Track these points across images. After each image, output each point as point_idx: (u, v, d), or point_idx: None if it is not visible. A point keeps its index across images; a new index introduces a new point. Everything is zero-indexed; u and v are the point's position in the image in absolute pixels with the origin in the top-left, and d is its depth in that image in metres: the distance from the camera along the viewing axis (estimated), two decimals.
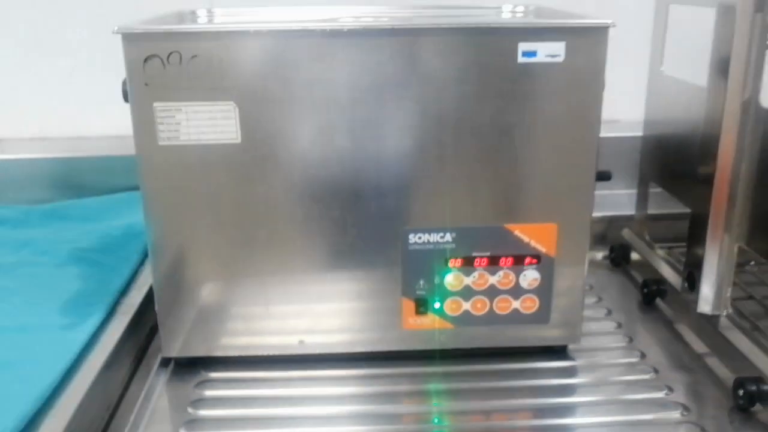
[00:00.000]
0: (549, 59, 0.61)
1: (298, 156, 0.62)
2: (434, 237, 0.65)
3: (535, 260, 0.66)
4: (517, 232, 0.65)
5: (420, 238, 0.65)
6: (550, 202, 0.65)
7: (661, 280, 0.81)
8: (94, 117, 1.01)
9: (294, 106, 0.61)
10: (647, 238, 0.89)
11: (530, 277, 0.67)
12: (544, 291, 0.67)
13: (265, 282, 0.66)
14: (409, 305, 0.67)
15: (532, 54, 0.61)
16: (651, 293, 0.81)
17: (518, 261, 0.66)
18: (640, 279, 0.87)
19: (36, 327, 0.64)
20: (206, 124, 0.61)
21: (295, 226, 0.64)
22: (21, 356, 0.59)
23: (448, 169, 0.63)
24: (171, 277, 0.65)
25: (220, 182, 0.63)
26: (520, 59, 0.61)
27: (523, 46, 0.61)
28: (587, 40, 0.61)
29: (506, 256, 0.66)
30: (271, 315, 0.67)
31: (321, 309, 0.67)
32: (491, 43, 0.60)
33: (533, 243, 0.66)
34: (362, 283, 0.66)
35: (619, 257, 0.92)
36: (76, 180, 0.96)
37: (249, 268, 0.66)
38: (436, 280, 0.66)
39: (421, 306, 0.67)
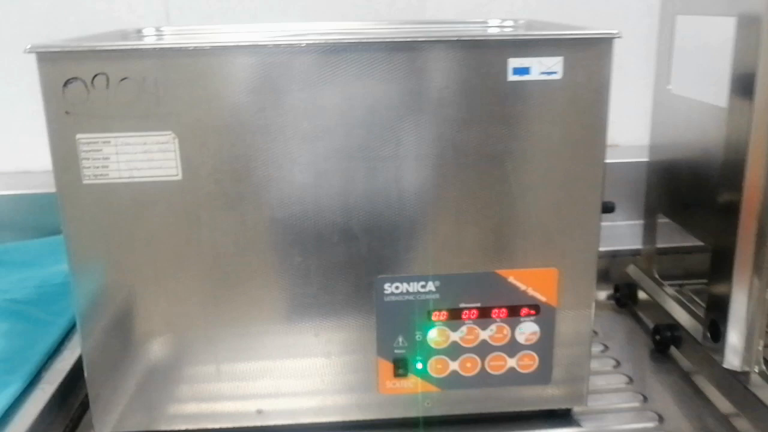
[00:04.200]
0: (544, 77, 0.52)
1: (252, 194, 0.52)
2: (414, 286, 0.55)
3: (533, 311, 0.56)
4: (511, 279, 0.56)
5: (397, 288, 0.55)
6: (549, 243, 0.55)
7: (674, 326, 0.71)
8: (39, 149, 0.91)
9: (245, 135, 0.51)
10: (656, 275, 0.79)
11: (528, 330, 0.57)
12: (544, 346, 0.57)
13: (214, 339, 0.56)
14: (386, 366, 0.57)
15: (525, 71, 0.52)
16: (664, 341, 0.71)
17: (513, 312, 0.56)
18: (649, 323, 0.78)
19: None
20: (140, 158, 0.51)
21: (250, 274, 0.54)
22: None
23: (429, 207, 0.54)
24: (102, 337, 0.55)
25: (158, 226, 0.53)
26: (511, 77, 0.52)
27: (513, 62, 0.51)
28: (589, 54, 0.52)
29: (499, 307, 0.56)
30: (223, 377, 0.57)
31: (282, 371, 0.57)
32: (476, 59, 0.51)
33: (530, 291, 0.56)
34: (330, 342, 0.56)
35: (625, 297, 0.82)
36: (16, 219, 0.86)
37: (195, 324, 0.55)
38: (418, 337, 0.56)
39: (401, 367, 0.57)
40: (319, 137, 0.52)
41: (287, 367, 0.57)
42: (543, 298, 0.56)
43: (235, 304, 0.55)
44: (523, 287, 0.56)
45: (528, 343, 0.57)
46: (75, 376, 0.60)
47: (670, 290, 0.79)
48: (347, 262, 0.54)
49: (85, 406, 0.61)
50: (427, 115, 0.52)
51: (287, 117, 0.51)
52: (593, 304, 0.57)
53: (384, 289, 0.55)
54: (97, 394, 0.56)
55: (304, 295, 0.55)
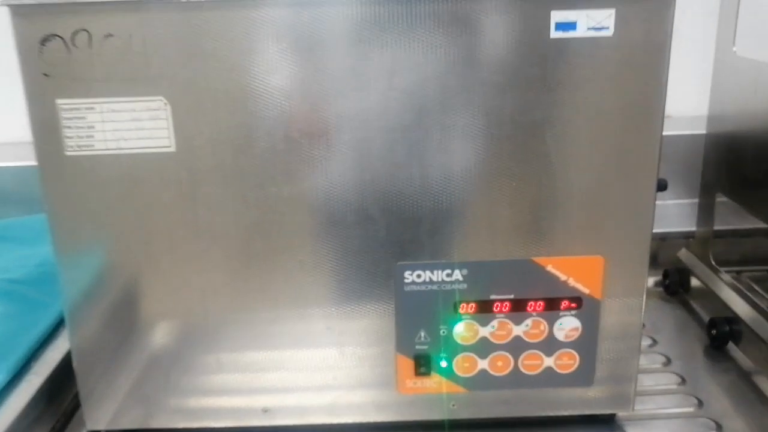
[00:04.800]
0: (593, 33, 0.44)
1: (254, 168, 0.46)
2: (438, 275, 0.49)
3: (574, 304, 0.49)
4: (550, 268, 0.49)
5: (419, 276, 0.48)
6: (594, 227, 0.48)
7: (733, 319, 0.63)
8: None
9: (246, 101, 0.45)
10: (711, 260, 0.71)
11: (568, 326, 0.50)
12: (587, 344, 0.50)
13: (216, 329, 0.50)
14: (406, 363, 0.51)
15: (570, 27, 0.44)
16: (721, 336, 0.63)
17: (552, 305, 0.49)
18: (703, 313, 0.70)
19: None
20: (128, 127, 0.45)
21: (253, 258, 0.48)
22: None
23: (456, 185, 0.47)
24: (93, 327, 0.50)
25: (150, 204, 0.47)
26: (554, 34, 0.44)
27: (556, 16, 0.44)
28: (646, 6, 0.44)
29: (536, 300, 0.49)
30: (225, 370, 0.51)
31: (290, 365, 0.51)
32: (513, 13, 0.44)
33: (572, 281, 0.49)
34: (344, 334, 0.50)
35: (675, 284, 0.75)
36: (22, 192, 0.82)
37: (194, 312, 0.50)
38: (443, 332, 0.50)
39: (423, 365, 0.50)
40: (330, 104, 0.45)
41: (296, 360, 0.51)
42: (586, 290, 0.49)
43: (237, 291, 0.49)
44: (563, 277, 0.49)
45: (568, 340, 0.50)
46: (67, 367, 0.54)
47: (727, 277, 0.71)
48: (363, 247, 0.48)
49: (78, 400, 0.56)
50: (454, 78, 0.45)
51: (293, 80, 0.45)
52: (644, 297, 0.50)
53: (404, 278, 0.48)
54: (88, 389, 0.51)
55: (315, 282, 0.49)
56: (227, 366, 0.51)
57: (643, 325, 0.50)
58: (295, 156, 0.46)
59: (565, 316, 0.50)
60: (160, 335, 0.51)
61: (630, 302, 0.50)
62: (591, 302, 0.49)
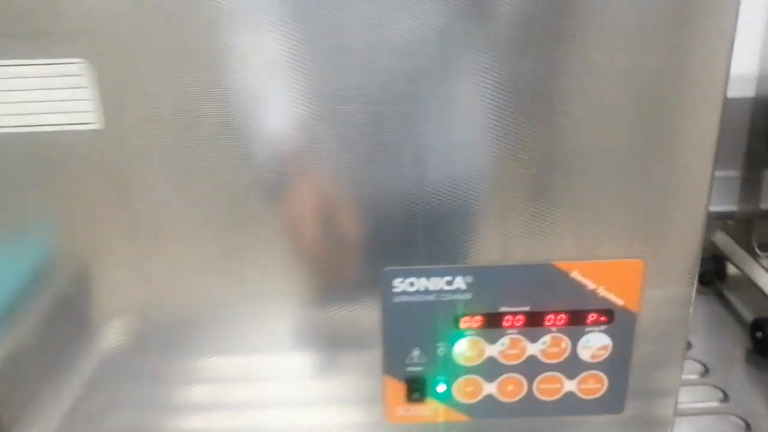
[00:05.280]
0: None
1: (202, 150, 0.36)
2: (436, 282, 0.39)
3: (604, 318, 0.40)
4: (575, 274, 0.39)
5: (412, 284, 0.39)
6: (633, 223, 0.38)
7: None
8: None
9: (192, 64, 0.35)
10: (754, 245, 0.62)
11: (596, 343, 0.41)
12: (617, 364, 0.41)
13: (164, 337, 0.41)
14: (396, 387, 0.41)
15: None
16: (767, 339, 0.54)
17: (576, 319, 0.40)
18: (741, 307, 0.61)
19: None
20: (38, 97, 0.35)
21: (204, 263, 0.39)
22: None
23: (458, 170, 0.37)
24: (16, 336, 0.41)
25: (69, 196, 0.37)
26: None
27: None
28: None
29: (556, 312, 0.40)
30: (181, 381, 0.42)
31: (258, 393, 0.42)
32: None
33: (602, 291, 0.40)
34: (319, 355, 0.41)
35: (709, 273, 0.65)
36: None
37: (137, 317, 0.41)
38: (441, 350, 0.41)
39: (416, 389, 0.41)
40: (300, 66, 0.35)
41: (263, 385, 0.42)
42: (619, 301, 0.40)
43: (185, 301, 0.40)
44: (592, 285, 0.39)
45: (595, 360, 0.41)
46: None
47: (766, 263, 0.62)
48: (341, 248, 0.38)
49: None
50: (458, 33, 0.34)
51: (252, 37, 0.34)
52: (690, 309, 0.41)
53: (393, 286, 0.39)
54: (12, 410, 0.42)
55: (281, 291, 0.39)
56: (184, 379, 0.42)
57: (689, 345, 0.41)
58: (253, 135, 0.36)
59: (592, 332, 0.40)
60: (100, 346, 0.42)
61: (673, 315, 0.40)
62: (625, 315, 0.40)
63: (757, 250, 0.62)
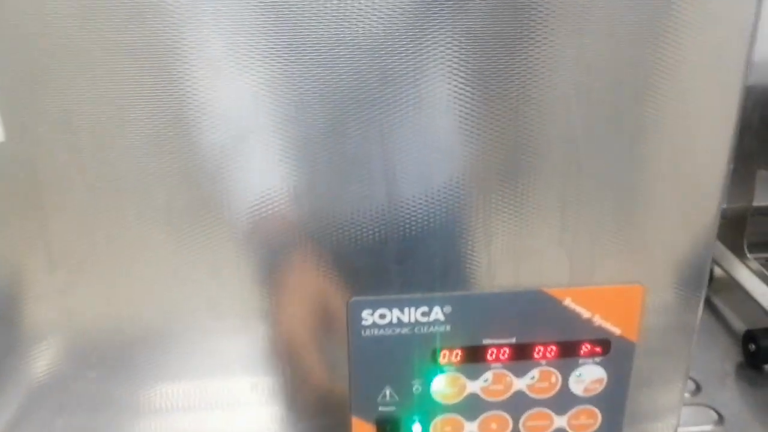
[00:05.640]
0: None
1: (130, 164, 0.30)
2: (411, 314, 0.34)
3: (599, 348, 0.36)
4: (568, 302, 0.34)
5: (384, 316, 0.34)
6: (633, 243, 0.34)
7: None
8: None
9: (121, 66, 0.29)
10: (745, 248, 0.58)
11: (589, 376, 0.36)
12: (613, 398, 0.37)
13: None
14: (365, 430, 0.37)
15: None
16: (762, 353, 0.51)
17: (568, 351, 0.36)
18: (729, 314, 0.58)
19: None
20: None
21: (138, 295, 0.33)
22: None
23: (433, 184, 0.32)
24: None
25: None
26: None
27: None
28: None
29: (546, 344, 0.35)
30: (112, 426, 0.37)
31: (204, 422, 0.37)
32: None
33: (598, 319, 0.35)
34: (278, 394, 0.36)
35: None
36: None
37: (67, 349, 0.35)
38: (416, 388, 0.36)
39: (389, 431, 0.37)
40: (247, 70, 0.29)
41: (215, 428, 0.37)
42: (616, 330, 0.35)
43: (118, 343, 0.34)
44: (586, 314, 0.35)
45: (588, 394, 0.37)
46: None
47: (755, 265, 0.58)
48: (301, 277, 0.33)
49: None
50: (429, 20, 0.29)
51: (190, 32, 0.28)
52: (694, 336, 0.36)
53: (362, 319, 0.34)
54: None
55: (232, 326, 0.34)
56: (126, 409, 0.37)
57: (698, 387, 0.37)
58: (192, 145, 0.30)
59: (585, 364, 0.36)
60: (29, 376, 0.36)
61: (675, 343, 0.36)
62: (622, 345, 0.36)
63: (746, 251, 0.58)
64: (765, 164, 0.56)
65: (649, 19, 0.30)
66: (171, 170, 0.30)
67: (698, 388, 0.49)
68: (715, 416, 0.47)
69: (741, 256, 0.59)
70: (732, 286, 0.58)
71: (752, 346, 0.51)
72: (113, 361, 0.35)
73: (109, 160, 0.30)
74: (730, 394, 0.49)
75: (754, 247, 0.61)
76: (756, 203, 0.58)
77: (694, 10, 0.30)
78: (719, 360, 0.53)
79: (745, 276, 0.57)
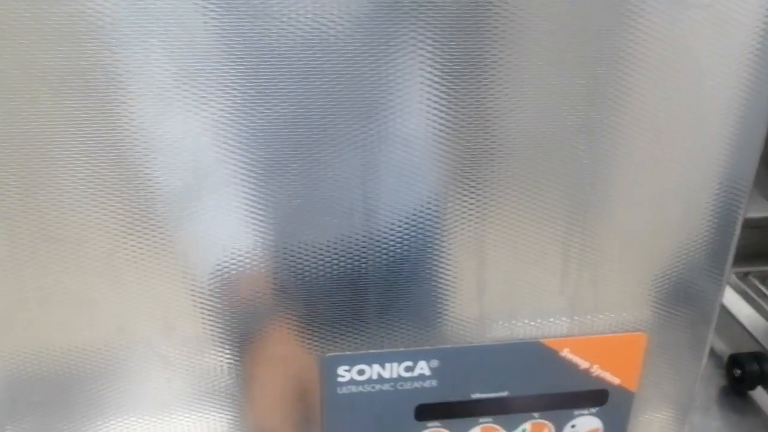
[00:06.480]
0: None
1: (70, 213, 0.26)
2: (394, 369, 0.30)
3: (596, 400, 0.33)
4: (566, 353, 0.31)
5: (362, 372, 0.30)
6: (638, 287, 0.31)
7: (762, 355, 0.49)
8: None
9: (46, 92, 0.24)
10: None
11: (584, 427, 0.33)
12: None
13: None
14: None
15: None
16: (748, 379, 0.49)
17: (564, 402, 0.32)
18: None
19: None
20: None
21: (76, 357, 0.29)
22: None
23: (422, 227, 0.28)
24: None
25: None
26: None
27: None
28: None
29: (540, 396, 0.32)
30: None
31: None
32: None
33: (597, 369, 0.32)
34: None
35: None
36: None
37: None
38: None
39: None
40: (200, 89, 0.25)
41: None
42: (615, 380, 0.32)
43: (62, 401, 0.30)
44: (585, 365, 0.32)
45: None
46: None
47: (732, 279, 0.57)
48: (269, 332, 0.29)
49: None
50: (403, 41, 0.25)
51: (136, 44, 0.24)
52: (696, 384, 0.34)
53: (338, 375, 0.30)
54: None
55: (189, 389, 0.30)
56: None
57: None
58: (138, 188, 0.26)
59: (581, 415, 0.33)
60: None
61: (675, 391, 0.34)
62: (621, 395, 0.33)
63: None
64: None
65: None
66: (113, 218, 0.25)
67: None
68: None
69: None
70: None
71: (737, 372, 0.49)
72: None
73: (37, 205, 0.25)
74: (716, 424, 0.47)
75: (741, 260, 0.59)
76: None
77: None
78: (702, 386, 0.50)
79: (727, 296, 0.55)
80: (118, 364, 0.29)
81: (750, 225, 0.61)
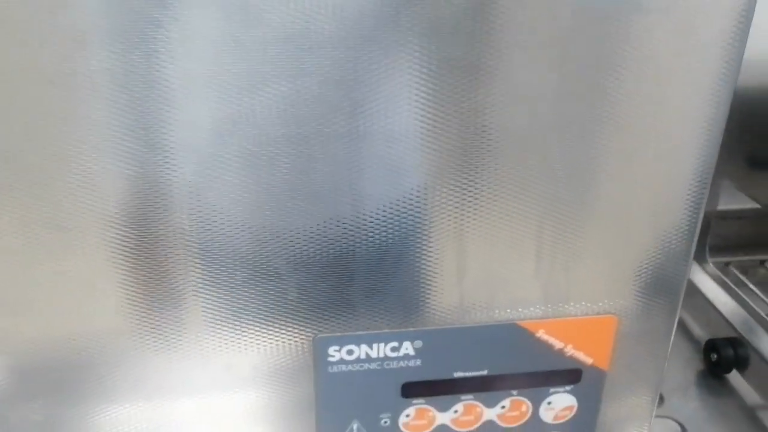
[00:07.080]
0: None
1: (77, 206, 0.28)
2: (380, 349, 0.33)
3: (570, 378, 0.35)
4: (541, 334, 0.34)
5: (351, 352, 0.32)
6: (609, 272, 0.33)
7: (737, 340, 0.51)
8: None
9: (20, 91, 0.26)
10: (707, 254, 0.59)
11: (560, 404, 0.36)
12: (582, 425, 0.36)
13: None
14: None
15: None
16: (724, 363, 0.51)
17: (540, 381, 0.35)
18: (687, 319, 0.58)
19: None
20: None
21: (71, 345, 0.31)
22: None
23: (408, 214, 0.30)
24: None
25: None
26: None
27: None
28: None
29: (518, 374, 0.34)
30: None
31: None
32: None
33: (571, 349, 0.34)
34: (243, 427, 0.34)
35: None
36: None
37: None
38: (384, 421, 0.34)
39: None
40: (200, 91, 0.27)
41: None
42: (588, 360, 0.35)
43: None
44: (559, 345, 0.34)
45: (558, 421, 0.36)
46: None
47: (713, 270, 0.59)
48: (262, 315, 0.31)
49: None
50: (398, 46, 0.27)
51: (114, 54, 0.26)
52: (665, 362, 0.36)
53: (328, 355, 0.32)
54: None
55: (185, 368, 0.32)
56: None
57: (661, 398, 0.37)
58: (140, 183, 0.28)
59: (556, 392, 0.35)
60: None
61: (645, 370, 0.36)
62: (593, 374, 0.35)
63: (708, 256, 0.59)
64: (728, 174, 0.56)
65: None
66: (113, 210, 0.28)
67: (661, 399, 0.49)
68: (678, 428, 0.47)
69: (702, 261, 0.59)
70: (693, 292, 0.58)
71: (714, 356, 0.51)
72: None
73: (45, 197, 0.27)
74: (693, 405, 0.49)
75: (714, 251, 0.61)
76: (722, 206, 0.58)
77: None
78: (681, 369, 0.53)
79: (707, 285, 0.57)
80: (126, 349, 0.31)
81: (730, 216, 0.64)
